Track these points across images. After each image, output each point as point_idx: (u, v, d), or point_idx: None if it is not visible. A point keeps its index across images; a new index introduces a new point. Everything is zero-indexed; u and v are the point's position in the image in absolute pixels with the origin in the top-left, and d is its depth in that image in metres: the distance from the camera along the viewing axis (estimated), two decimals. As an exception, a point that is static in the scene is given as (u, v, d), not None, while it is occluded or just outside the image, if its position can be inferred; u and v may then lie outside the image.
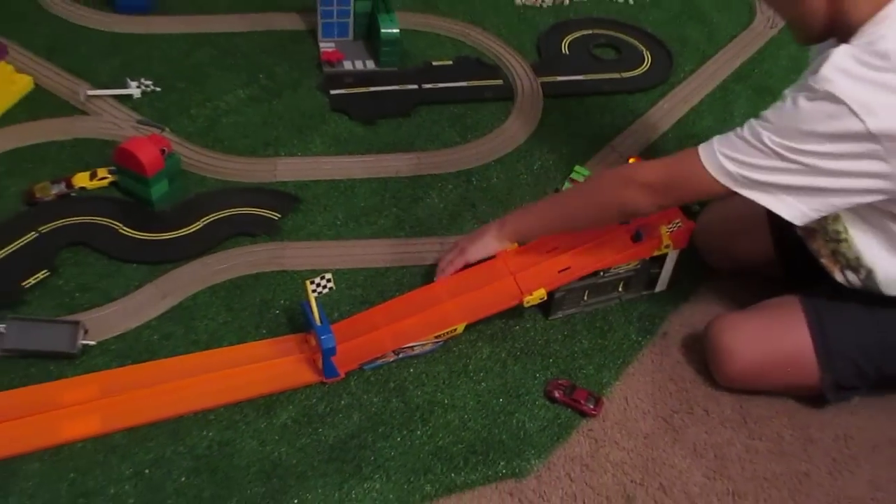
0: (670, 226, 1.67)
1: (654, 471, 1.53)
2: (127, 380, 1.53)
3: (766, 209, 1.43)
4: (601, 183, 1.68)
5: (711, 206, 1.91)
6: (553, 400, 1.60)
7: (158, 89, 2.20)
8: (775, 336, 1.61)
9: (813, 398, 1.65)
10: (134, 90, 2.17)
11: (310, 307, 1.54)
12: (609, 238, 1.71)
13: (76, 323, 1.58)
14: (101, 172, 1.92)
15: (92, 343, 1.59)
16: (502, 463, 1.49)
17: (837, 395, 1.62)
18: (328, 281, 1.53)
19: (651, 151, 2.18)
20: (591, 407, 1.58)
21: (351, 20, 2.39)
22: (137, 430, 1.48)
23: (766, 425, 1.62)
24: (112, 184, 1.92)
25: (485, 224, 1.77)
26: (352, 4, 2.35)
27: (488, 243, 1.72)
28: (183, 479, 1.42)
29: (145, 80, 2.20)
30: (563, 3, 2.70)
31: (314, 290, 1.52)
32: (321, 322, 1.53)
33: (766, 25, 2.71)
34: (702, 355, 1.71)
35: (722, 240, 1.84)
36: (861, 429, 1.64)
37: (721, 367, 1.64)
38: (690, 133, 2.25)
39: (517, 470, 1.49)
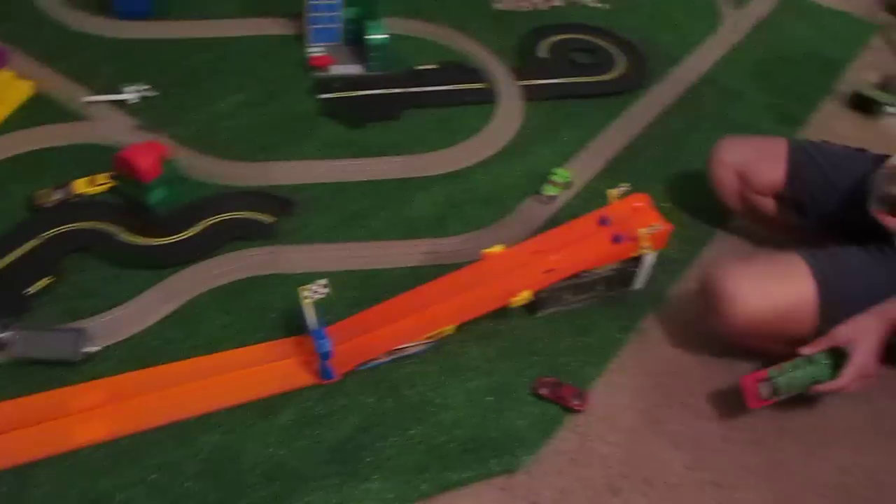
0: (649, 228, 1.64)
1: (638, 463, 1.51)
2: (132, 385, 1.49)
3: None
4: None
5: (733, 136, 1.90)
6: (540, 396, 1.56)
7: (155, 94, 2.13)
8: (780, 284, 1.55)
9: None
10: (131, 95, 2.11)
11: (306, 312, 1.50)
12: (591, 240, 1.67)
13: (80, 330, 1.53)
14: (101, 178, 1.86)
15: (96, 349, 1.54)
16: (494, 460, 1.46)
17: None
18: (324, 286, 1.50)
19: (627, 153, 2.14)
20: (577, 403, 1.55)
21: (339, 25, 2.33)
22: (144, 434, 1.44)
23: (741, 416, 1.60)
24: (111, 188, 1.86)
25: (863, 342, 1.48)
26: (340, 10, 2.29)
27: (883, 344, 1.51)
28: (189, 483, 1.38)
29: (142, 85, 2.13)
30: (540, 8, 2.64)
31: (309, 296, 1.48)
32: (317, 326, 1.49)
33: (731, 31, 2.68)
34: (679, 349, 1.69)
35: (742, 162, 1.82)
36: (829, 417, 1.62)
37: (724, 314, 1.54)
38: (664, 134, 2.22)
39: (508, 466, 1.46)
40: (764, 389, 1.53)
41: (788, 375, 1.53)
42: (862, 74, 2.58)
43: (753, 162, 1.80)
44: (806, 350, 1.51)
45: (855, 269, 1.57)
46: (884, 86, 2.49)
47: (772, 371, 1.53)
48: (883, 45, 2.75)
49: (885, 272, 1.57)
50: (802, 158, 1.78)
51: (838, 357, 1.49)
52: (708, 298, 1.59)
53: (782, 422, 1.60)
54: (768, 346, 1.63)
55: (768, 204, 1.84)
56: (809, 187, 1.76)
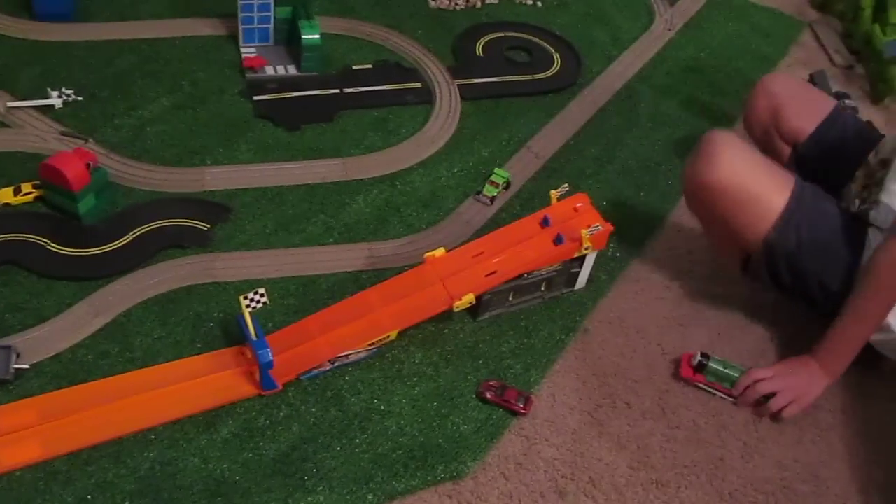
0: (590, 229, 1.65)
1: (583, 465, 1.52)
2: (64, 403, 1.44)
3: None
4: (890, 276, 1.55)
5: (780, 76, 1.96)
6: (485, 401, 1.57)
7: (80, 99, 2.07)
8: (763, 173, 1.63)
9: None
10: (56, 100, 2.04)
11: (245, 322, 1.47)
12: (533, 242, 1.68)
13: (8, 348, 1.48)
14: (26, 187, 1.80)
15: (26, 366, 1.49)
16: (440, 467, 1.46)
17: (759, 264, 1.66)
18: (262, 296, 1.47)
19: (565, 153, 2.16)
20: (522, 406, 1.56)
21: (271, 26, 2.29)
22: (78, 454, 1.40)
23: (683, 414, 1.63)
24: (38, 198, 1.80)
25: (792, 362, 1.65)
26: (272, 10, 2.25)
27: (819, 388, 1.63)
28: (127, 502, 1.34)
29: (66, 89, 2.07)
30: (475, 5, 2.64)
31: (248, 306, 1.46)
32: (257, 336, 1.47)
33: (664, 28, 2.71)
34: (621, 349, 1.72)
35: (785, 98, 1.86)
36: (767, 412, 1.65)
37: (703, 167, 1.61)
38: (600, 132, 2.24)
39: (455, 472, 1.46)
40: (694, 360, 1.65)
41: (722, 363, 1.64)
42: (793, 71, 2.64)
43: (794, 104, 1.85)
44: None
45: (828, 212, 1.65)
46: (814, 82, 2.55)
47: (711, 355, 1.66)
48: (812, 42, 2.82)
49: (847, 230, 1.63)
50: (836, 125, 1.83)
51: None
52: (698, 149, 1.64)
53: (723, 419, 1.63)
54: (717, 231, 1.73)
55: (784, 151, 1.88)
56: (825, 153, 1.81)
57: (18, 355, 1.49)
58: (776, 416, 1.63)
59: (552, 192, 1.73)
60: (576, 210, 1.73)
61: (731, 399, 1.65)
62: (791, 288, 1.67)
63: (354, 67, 2.32)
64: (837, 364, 1.62)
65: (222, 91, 2.18)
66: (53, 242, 1.71)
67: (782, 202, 1.60)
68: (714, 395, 1.66)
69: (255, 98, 2.16)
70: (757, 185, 1.61)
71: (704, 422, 1.62)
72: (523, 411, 1.56)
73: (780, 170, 1.67)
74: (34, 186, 1.80)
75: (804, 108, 1.85)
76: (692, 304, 1.83)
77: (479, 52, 2.46)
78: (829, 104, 1.87)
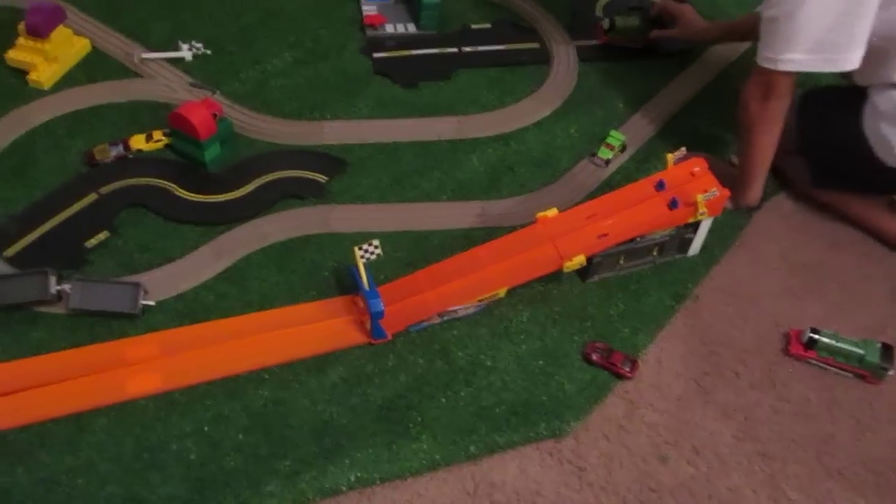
0: (706, 194, 1.61)
1: (687, 432, 1.50)
2: (186, 339, 1.52)
3: None
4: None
5: None
6: (591, 362, 1.56)
7: (209, 52, 2.13)
8: None
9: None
10: (186, 53, 2.11)
11: (358, 272, 1.50)
12: (646, 206, 1.65)
13: (137, 284, 1.56)
14: (157, 135, 1.87)
15: (152, 303, 1.57)
16: (542, 424, 1.46)
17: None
18: (376, 247, 1.50)
19: (683, 115, 2.10)
20: (627, 369, 1.55)
21: (392, -16, 2.31)
22: (196, 388, 1.47)
23: (794, 388, 1.58)
24: (167, 146, 1.87)
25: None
26: (393, -31, 2.27)
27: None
28: (240, 436, 1.41)
29: (196, 42, 2.14)
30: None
31: (362, 256, 1.49)
32: (369, 287, 1.50)
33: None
34: (732, 318, 1.68)
35: None
36: (883, 392, 1.59)
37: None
38: (719, 97, 2.17)
39: (556, 431, 1.47)
40: (804, 336, 1.61)
41: (834, 337, 1.59)
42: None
43: None
44: None
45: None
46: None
47: (822, 329, 1.61)
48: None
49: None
50: None
51: (886, 353, 1.58)
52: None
53: (835, 395, 1.58)
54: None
55: None
56: None
57: (146, 292, 1.57)
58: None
59: (669, 155, 1.69)
60: (692, 175, 1.69)
61: (846, 374, 1.60)
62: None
63: (473, 27, 2.31)
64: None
65: (343, 47, 2.20)
66: (180, 188, 1.79)
67: None
68: (827, 370, 1.60)
69: (375, 55, 2.18)
70: None
71: (816, 396, 1.58)
72: (628, 375, 1.55)
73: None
74: (164, 134, 1.87)
75: None
76: (808, 276, 1.77)
77: (598, 12, 2.41)
78: None
